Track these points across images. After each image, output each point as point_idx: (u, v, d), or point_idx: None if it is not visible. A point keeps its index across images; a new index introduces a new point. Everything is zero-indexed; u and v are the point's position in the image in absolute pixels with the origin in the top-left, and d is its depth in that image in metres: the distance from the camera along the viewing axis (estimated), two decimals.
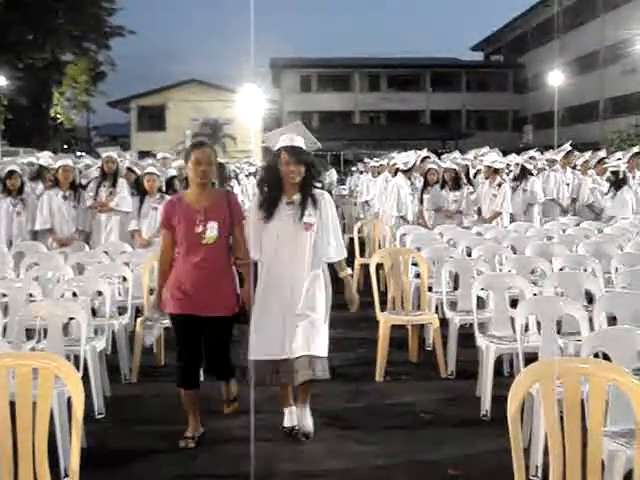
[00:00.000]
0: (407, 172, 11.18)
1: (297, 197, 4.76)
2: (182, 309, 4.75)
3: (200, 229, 4.65)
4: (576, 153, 13.05)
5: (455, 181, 10.55)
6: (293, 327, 4.74)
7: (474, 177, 11.51)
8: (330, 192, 9.56)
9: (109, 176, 9.19)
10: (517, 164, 11.68)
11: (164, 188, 9.12)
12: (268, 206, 4.75)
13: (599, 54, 45.29)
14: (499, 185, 10.30)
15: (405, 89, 55.97)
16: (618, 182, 10.52)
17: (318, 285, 4.82)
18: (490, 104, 55.39)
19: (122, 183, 9.16)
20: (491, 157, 11.16)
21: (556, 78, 41.37)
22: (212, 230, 4.66)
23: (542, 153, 14.90)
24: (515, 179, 11.44)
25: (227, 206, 4.76)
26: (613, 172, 10.82)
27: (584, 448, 2.91)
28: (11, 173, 9.02)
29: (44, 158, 10.88)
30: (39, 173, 10.55)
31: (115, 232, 9.02)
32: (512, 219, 10.68)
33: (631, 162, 11.42)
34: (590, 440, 2.92)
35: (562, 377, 2.98)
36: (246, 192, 14.66)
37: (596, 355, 3.87)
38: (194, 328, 4.76)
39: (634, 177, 11.32)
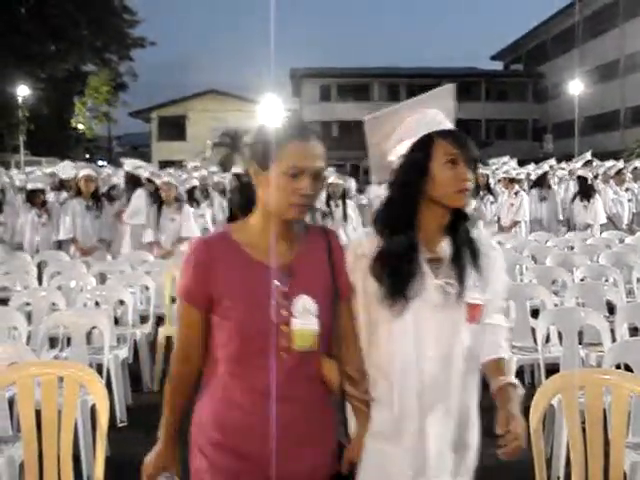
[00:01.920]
0: None
1: (445, 247, 2.26)
2: None
3: (281, 313, 2.05)
4: (595, 163, 13.02)
5: (486, 187, 10.69)
6: None
7: (494, 187, 11.54)
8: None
9: (129, 186, 9.36)
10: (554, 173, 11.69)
11: (185, 197, 9.22)
12: (394, 269, 2.18)
13: (619, 63, 45.04)
14: (516, 194, 10.41)
15: None
16: (587, 190, 10.62)
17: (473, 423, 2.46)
18: (510, 113, 55.21)
19: (138, 195, 9.20)
20: (508, 167, 11.25)
21: (576, 87, 41.22)
22: (307, 317, 2.07)
23: (559, 162, 14.86)
24: (535, 185, 11.44)
25: (327, 261, 2.18)
26: (580, 178, 10.90)
27: (606, 459, 2.90)
28: (35, 190, 9.18)
29: (65, 172, 10.95)
30: (61, 184, 10.68)
31: (127, 242, 9.10)
32: (549, 227, 10.76)
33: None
34: (612, 451, 2.91)
35: (584, 388, 2.98)
36: None
37: (618, 366, 3.86)
38: None
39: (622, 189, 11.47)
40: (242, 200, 2.20)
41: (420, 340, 2.20)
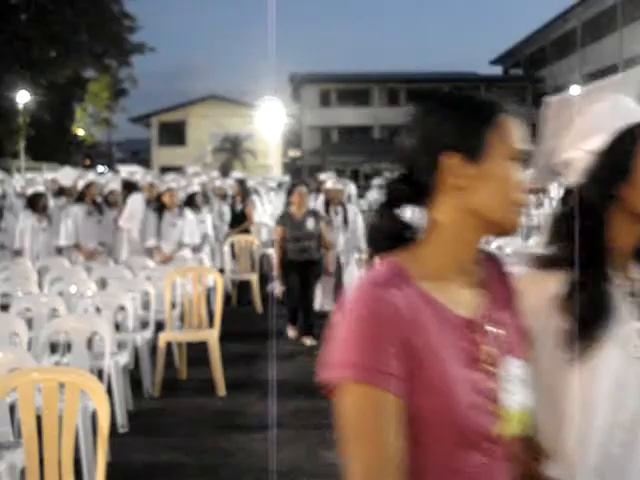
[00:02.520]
0: None
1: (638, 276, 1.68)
2: None
3: (488, 386, 1.33)
4: None
5: None
6: None
7: None
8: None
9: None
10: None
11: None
12: (585, 303, 1.57)
13: (618, 68, 45.13)
14: None
15: None
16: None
17: None
18: None
19: (133, 199, 9.16)
20: None
21: (575, 92, 41.28)
22: (520, 388, 1.38)
23: None
24: (531, 191, 11.48)
25: (508, 301, 1.47)
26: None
27: None
28: (36, 195, 9.19)
29: (65, 178, 10.95)
30: (61, 190, 10.68)
31: (125, 248, 9.09)
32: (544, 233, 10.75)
33: None
34: None
35: None
36: (265, 209, 14.70)
37: None
38: None
39: None
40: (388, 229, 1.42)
41: (617, 403, 1.59)
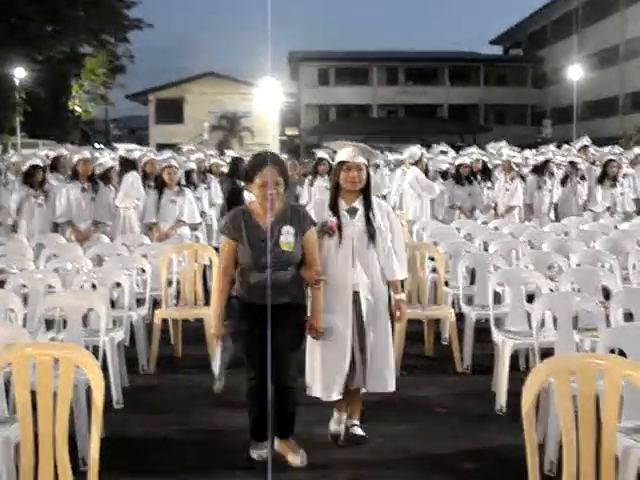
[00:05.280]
0: (416, 164, 11.42)
1: None
2: None
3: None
4: (592, 149, 12.99)
5: (484, 172, 10.77)
6: None
7: (494, 172, 11.59)
8: None
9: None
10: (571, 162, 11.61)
11: (183, 181, 9.22)
12: None
13: (619, 48, 44.91)
14: (512, 179, 10.53)
15: (423, 83, 55.76)
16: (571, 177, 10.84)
17: None
18: (509, 98, 55.07)
19: (126, 179, 9.13)
20: (509, 152, 11.32)
21: (575, 72, 41.14)
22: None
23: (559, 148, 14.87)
24: (533, 172, 11.46)
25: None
26: (572, 163, 11.04)
27: (598, 444, 2.92)
28: (33, 167, 9.12)
29: (60, 151, 10.87)
30: (55, 165, 10.59)
31: (121, 225, 9.07)
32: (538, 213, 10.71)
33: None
34: (604, 436, 2.92)
35: (577, 372, 2.99)
36: None
37: (612, 351, 3.87)
38: None
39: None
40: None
41: None
